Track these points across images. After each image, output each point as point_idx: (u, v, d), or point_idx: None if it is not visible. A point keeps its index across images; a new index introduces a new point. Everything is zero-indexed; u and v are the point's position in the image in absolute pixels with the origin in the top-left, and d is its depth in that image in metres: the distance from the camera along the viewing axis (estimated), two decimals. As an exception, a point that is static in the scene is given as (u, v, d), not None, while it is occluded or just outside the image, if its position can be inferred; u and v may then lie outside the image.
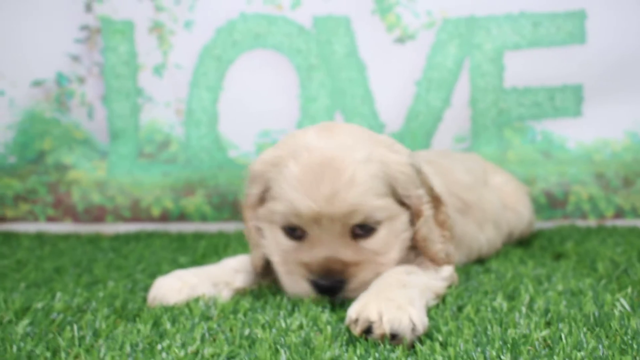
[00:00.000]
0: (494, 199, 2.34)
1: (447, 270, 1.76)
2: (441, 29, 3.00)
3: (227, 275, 1.80)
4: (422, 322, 1.38)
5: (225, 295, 1.75)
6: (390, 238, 1.67)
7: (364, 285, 1.59)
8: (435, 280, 1.69)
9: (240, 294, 1.79)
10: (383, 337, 1.33)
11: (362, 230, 1.64)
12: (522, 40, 2.98)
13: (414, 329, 1.35)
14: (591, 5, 2.95)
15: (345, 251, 1.63)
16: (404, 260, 1.72)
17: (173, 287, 1.70)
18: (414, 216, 1.71)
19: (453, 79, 3.00)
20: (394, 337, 1.33)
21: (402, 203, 1.70)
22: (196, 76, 3.08)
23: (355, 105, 3.02)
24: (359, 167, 1.59)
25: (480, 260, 2.23)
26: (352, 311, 1.40)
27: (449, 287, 1.76)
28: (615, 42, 2.94)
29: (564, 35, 2.96)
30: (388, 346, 1.30)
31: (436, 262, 1.74)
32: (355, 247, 1.64)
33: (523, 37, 2.98)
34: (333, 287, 1.63)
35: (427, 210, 1.71)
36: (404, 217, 1.69)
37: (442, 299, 1.68)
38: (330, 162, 1.59)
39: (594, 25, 2.95)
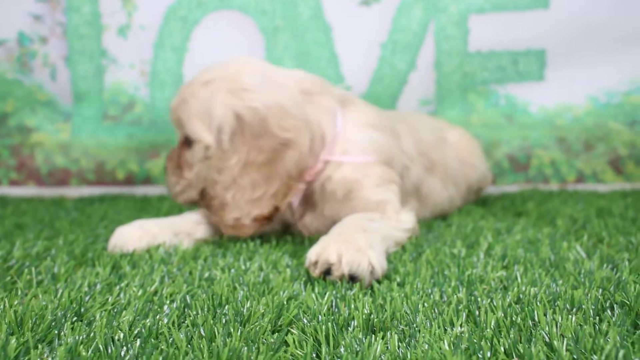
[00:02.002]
0: (454, 157, 2.38)
1: (410, 222, 1.78)
2: (406, -8, 3.00)
3: (188, 226, 1.80)
4: (381, 265, 1.39)
5: (186, 244, 1.76)
6: (192, 157, 1.86)
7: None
8: (397, 230, 1.71)
9: (201, 244, 1.80)
10: (342, 278, 1.35)
11: (188, 143, 1.88)
12: (486, 4, 2.99)
13: (372, 272, 1.37)
14: (554, -29, 2.98)
15: (181, 153, 1.91)
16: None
17: (133, 235, 1.70)
18: None
19: (418, 41, 3.01)
20: (352, 279, 1.35)
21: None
22: (161, 37, 3.05)
23: (321, 68, 3.02)
24: (190, 96, 1.82)
25: (442, 217, 2.25)
26: (312, 253, 1.41)
27: (410, 238, 1.78)
28: (578, 8, 2.96)
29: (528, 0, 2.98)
30: (346, 284, 1.31)
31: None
32: (184, 154, 1.90)
33: (487, 1, 2.99)
34: None
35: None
36: (201, 145, 1.81)
37: (402, 247, 1.70)
38: (186, 86, 1.88)
39: (558, -10, 2.97)
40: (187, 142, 1.86)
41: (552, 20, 2.97)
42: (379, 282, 1.37)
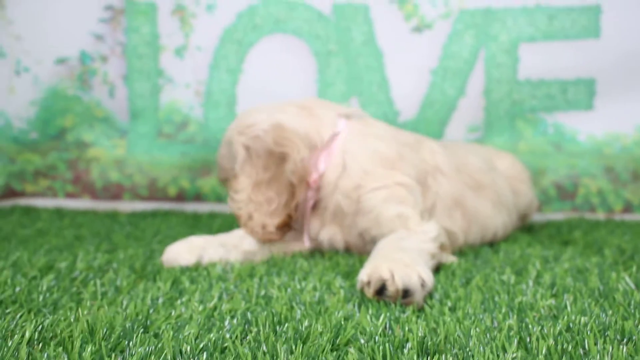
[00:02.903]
0: (506, 186, 2.42)
1: (433, 231, 1.85)
2: (458, 20, 3.04)
3: (235, 239, 1.92)
4: (429, 278, 1.47)
5: (234, 256, 1.86)
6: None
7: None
8: (425, 242, 1.78)
9: (250, 257, 1.88)
10: (396, 294, 1.40)
11: None
12: (537, 33, 3.02)
13: (423, 285, 1.44)
14: (606, 0, 2.98)
15: None
16: None
17: (183, 249, 1.82)
18: None
19: (468, 68, 3.04)
20: (405, 294, 1.40)
21: None
22: (216, 59, 3.13)
23: (372, 92, 3.07)
24: (223, 150, 2.09)
25: (490, 243, 2.28)
26: (364, 274, 1.47)
27: (441, 247, 1.84)
28: (629, 38, 2.97)
29: (579, 29, 3.00)
30: (399, 307, 1.36)
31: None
32: None
33: (538, 30, 3.02)
34: None
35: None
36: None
37: (452, 272, 1.73)
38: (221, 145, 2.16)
39: (609, 20, 2.98)
40: None
41: (602, 49, 2.98)
42: (430, 306, 1.40)
